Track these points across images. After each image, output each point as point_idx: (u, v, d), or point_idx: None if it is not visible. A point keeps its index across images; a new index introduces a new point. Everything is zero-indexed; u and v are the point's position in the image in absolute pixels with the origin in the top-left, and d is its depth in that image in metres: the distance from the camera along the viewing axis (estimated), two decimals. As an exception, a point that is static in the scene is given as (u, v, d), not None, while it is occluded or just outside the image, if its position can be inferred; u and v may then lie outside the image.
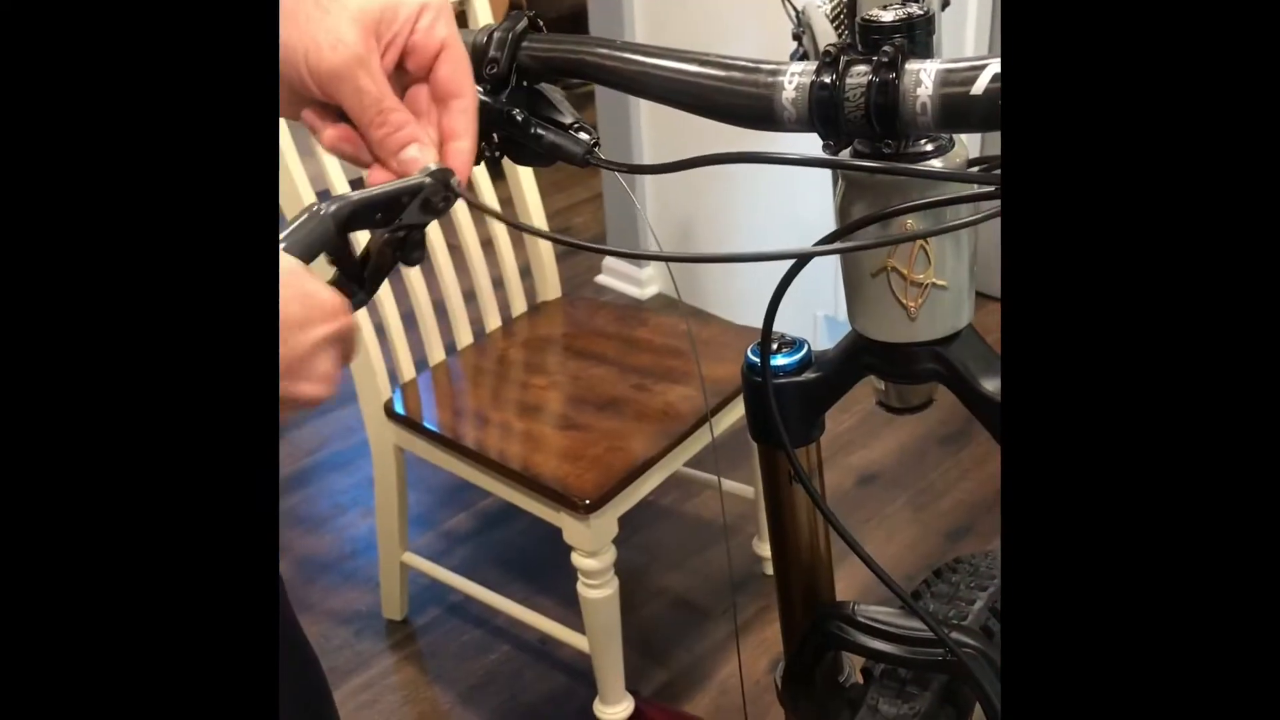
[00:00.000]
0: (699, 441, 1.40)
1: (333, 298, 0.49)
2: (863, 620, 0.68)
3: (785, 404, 0.64)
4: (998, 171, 0.53)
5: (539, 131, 0.60)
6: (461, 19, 1.45)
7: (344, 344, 0.50)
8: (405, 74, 0.56)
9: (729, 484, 1.73)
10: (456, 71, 0.56)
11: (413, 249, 0.55)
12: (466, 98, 0.56)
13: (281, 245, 0.49)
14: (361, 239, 0.55)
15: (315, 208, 0.51)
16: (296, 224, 0.51)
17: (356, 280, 0.54)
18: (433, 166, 0.54)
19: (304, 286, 0.48)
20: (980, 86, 0.48)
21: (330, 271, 0.54)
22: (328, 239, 0.51)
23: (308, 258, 0.50)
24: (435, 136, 0.56)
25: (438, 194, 0.54)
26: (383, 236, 0.54)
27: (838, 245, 0.55)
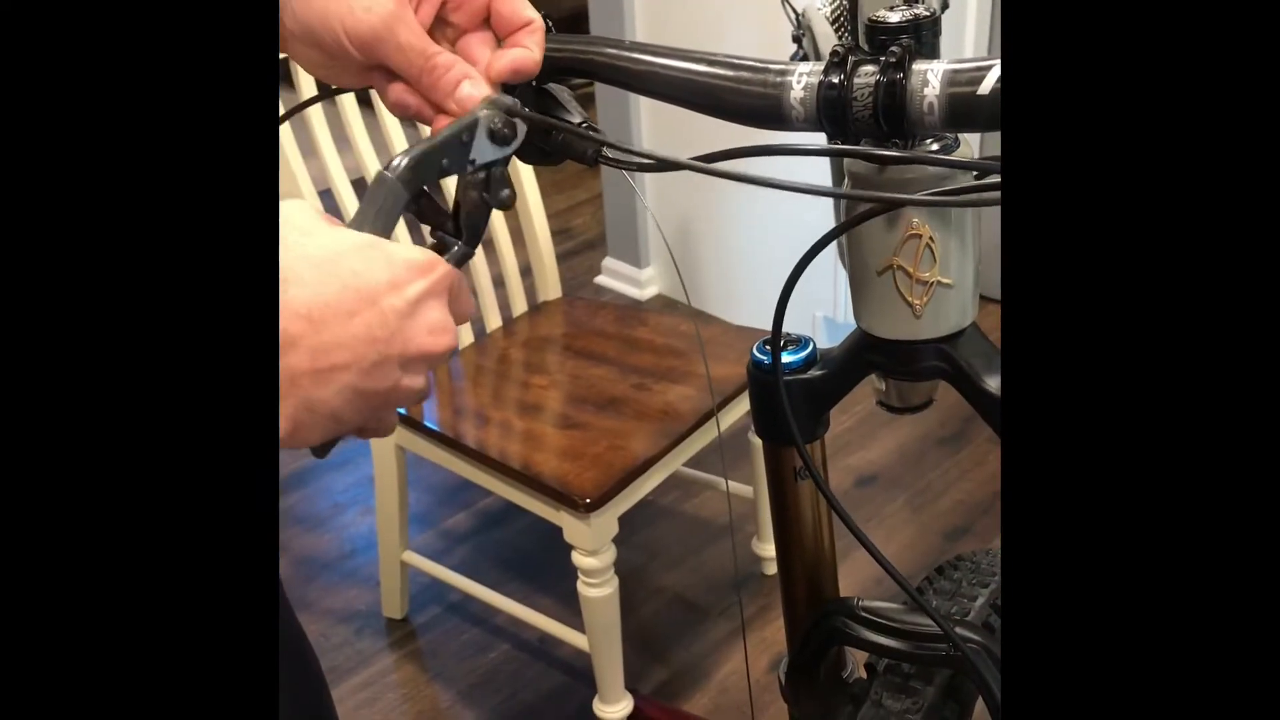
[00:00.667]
0: (698, 441, 1.40)
1: (421, 254, 0.49)
2: (866, 616, 0.69)
3: (791, 401, 0.65)
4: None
5: (548, 131, 0.60)
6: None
7: (449, 295, 0.50)
8: (450, 27, 0.57)
9: (730, 484, 1.74)
10: (515, 4, 0.57)
11: (498, 188, 0.55)
12: (535, 22, 0.57)
13: (353, 225, 0.49)
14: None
15: (380, 175, 0.51)
16: (364, 200, 0.51)
17: (454, 234, 0.54)
18: (491, 97, 0.55)
19: (384, 251, 0.48)
20: (987, 87, 0.49)
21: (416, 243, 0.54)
22: (400, 201, 0.51)
23: (387, 229, 0.51)
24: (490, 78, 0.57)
25: (499, 122, 0.54)
26: (465, 182, 0.54)
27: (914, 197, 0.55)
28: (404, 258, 0.48)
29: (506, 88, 0.57)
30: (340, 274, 0.46)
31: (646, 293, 2.53)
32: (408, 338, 0.47)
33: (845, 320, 2.10)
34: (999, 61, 0.49)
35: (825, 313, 2.15)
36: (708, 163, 0.55)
